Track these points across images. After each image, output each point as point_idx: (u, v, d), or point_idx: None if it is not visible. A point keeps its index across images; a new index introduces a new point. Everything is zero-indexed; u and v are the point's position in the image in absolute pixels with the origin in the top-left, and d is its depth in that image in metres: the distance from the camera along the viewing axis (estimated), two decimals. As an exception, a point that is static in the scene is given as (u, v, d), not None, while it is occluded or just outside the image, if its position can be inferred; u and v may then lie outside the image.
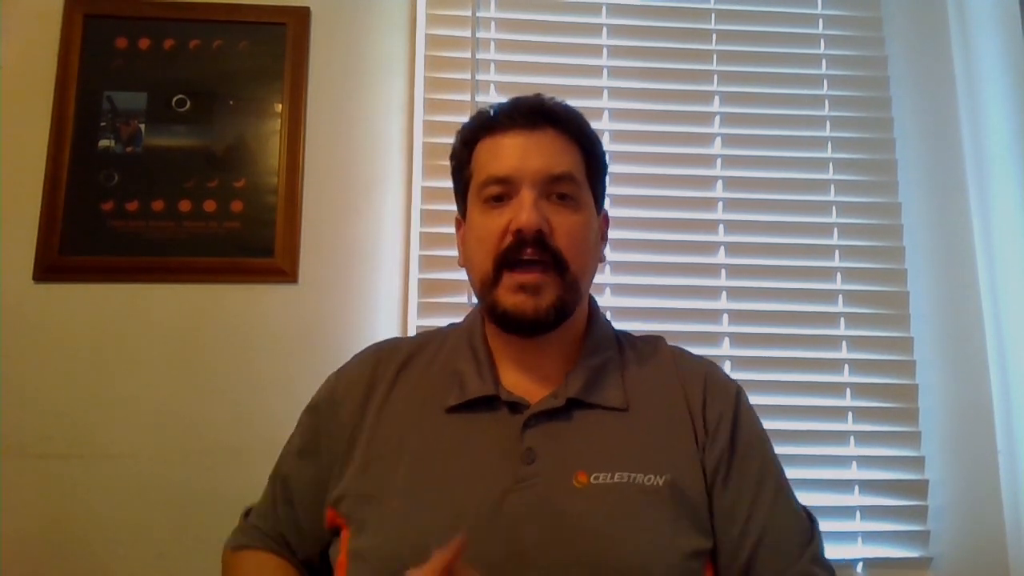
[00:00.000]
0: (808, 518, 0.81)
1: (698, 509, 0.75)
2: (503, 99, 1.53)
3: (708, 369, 0.86)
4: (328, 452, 0.83)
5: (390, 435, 0.79)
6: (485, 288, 0.79)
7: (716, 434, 0.79)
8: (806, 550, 0.77)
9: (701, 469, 0.77)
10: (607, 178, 0.89)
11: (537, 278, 0.76)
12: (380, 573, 0.71)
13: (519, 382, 0.81)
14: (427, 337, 0.91)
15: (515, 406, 0.78)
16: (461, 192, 0.86)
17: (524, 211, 0.76)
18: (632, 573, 0.69)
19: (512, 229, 0.76)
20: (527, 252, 0.76)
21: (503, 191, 0.78)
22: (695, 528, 0.74)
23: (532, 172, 0.78)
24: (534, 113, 0.81)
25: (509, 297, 0.77)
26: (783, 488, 0.80)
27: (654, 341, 0.90)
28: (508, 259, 0.77)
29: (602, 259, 0.86)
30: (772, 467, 0.81)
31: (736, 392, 0.84)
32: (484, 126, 0.82)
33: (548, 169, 0.78)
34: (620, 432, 0.77)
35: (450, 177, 0.89)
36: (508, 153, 0.79)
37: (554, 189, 0.78)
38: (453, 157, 0.87)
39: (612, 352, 0.84)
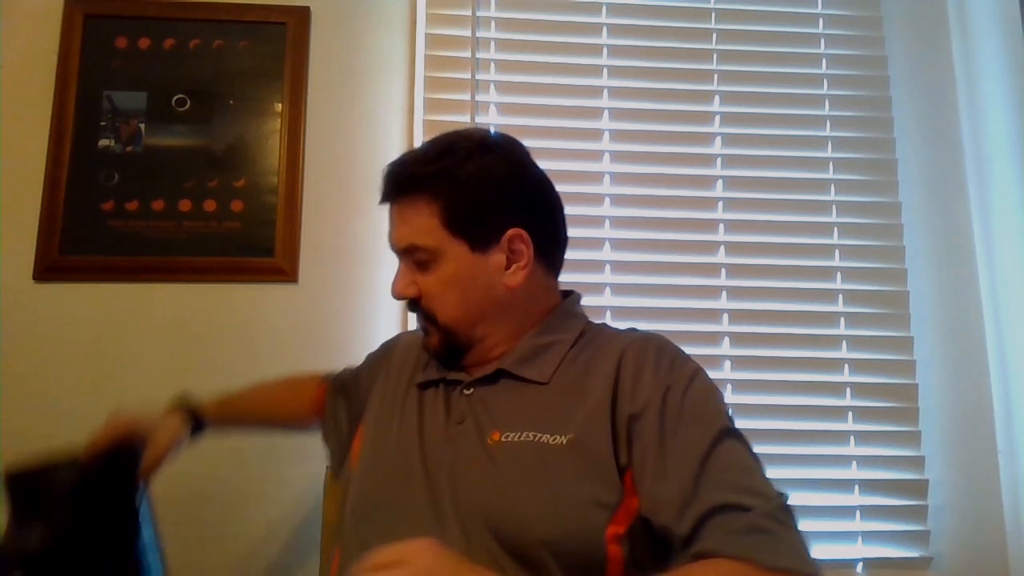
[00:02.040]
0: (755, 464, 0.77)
1: (602, 465, 0.77)
2: (503, 99, 1.55)
3: (657, 343, 0.86)
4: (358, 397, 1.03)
5: (386, 400, 0.95)
6: None
7: (647, 402, 0.79)
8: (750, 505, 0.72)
9: (611, 431, 0.79)
10: (487, 207, 0.86)
11: (423, 323, 0.90)
12: (349, 515, 0.86)
13: (474, 368, 0.91)
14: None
15: (459, 382, 0.89)
16: None
17: (393, 284, 0.90)
18: (528, 521, 0.75)
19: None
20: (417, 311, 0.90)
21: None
22: (599, 482, 0.76)
23: (393, 246, 0.90)
24: (387, 188, 0.89)
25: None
26: (725, 450, 0.76)
27: (632, 334, 0.90)
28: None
29: (513, 283, 0.86)
30: (715, 435, 0.77)
31: (682, 367, 0.83)
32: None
33: (397, 243, 0.88)
34: (536, 400, 0.84)
35: None
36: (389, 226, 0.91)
37: (410, 257, 0.87)
38: None
39: (565, 336, 0.89)
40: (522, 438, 0.80)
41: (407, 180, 0.87)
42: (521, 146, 0.91)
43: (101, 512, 0.94)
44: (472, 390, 0.88)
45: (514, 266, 0.87)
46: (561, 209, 0.92)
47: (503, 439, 0.81)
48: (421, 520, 0.79)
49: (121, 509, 0.96)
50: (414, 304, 0.89)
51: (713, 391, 0.82)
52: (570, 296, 0.95)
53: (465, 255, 0.86)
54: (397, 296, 0.90)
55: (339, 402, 1.08)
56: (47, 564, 0.88)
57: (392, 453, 0.87)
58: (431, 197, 0.85)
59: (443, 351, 0.89)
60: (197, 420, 1.05)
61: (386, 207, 0.90)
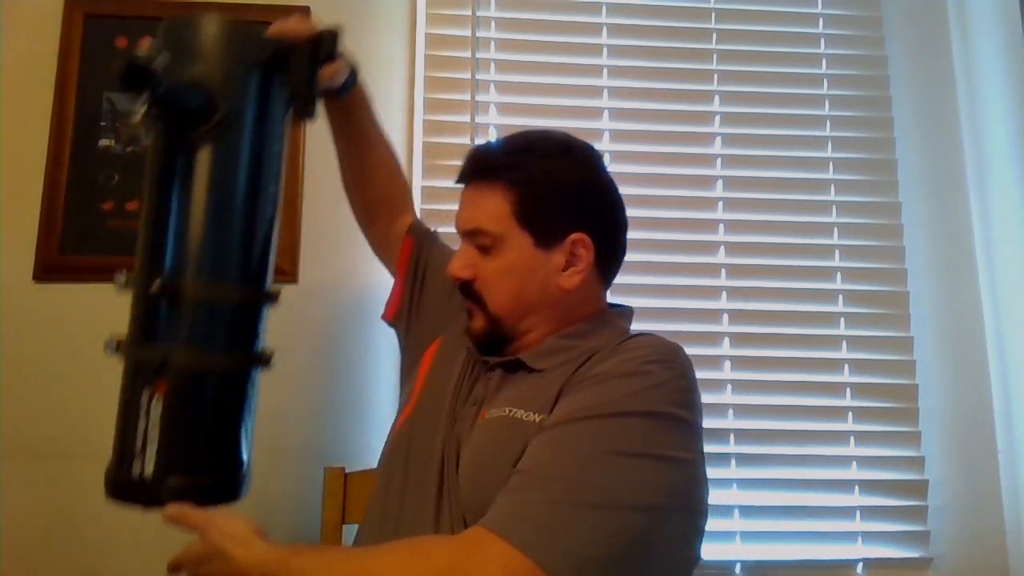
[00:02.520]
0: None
1: None
2: (503, 99, 1.55)
3: (644, 343, 0.85)
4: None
5: (447, 346, 1.00)
6: None
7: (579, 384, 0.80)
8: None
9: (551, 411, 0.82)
10: (564, 207, 0.88)
11: (471, 306, 0.91)
12: (391, 448, 0.94)
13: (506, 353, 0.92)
14: None
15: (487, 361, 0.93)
16: None
17: (452, 263, 0.91)
18: (480, 491, 0.77)
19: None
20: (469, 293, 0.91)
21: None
22: None
23: (458, 227, 0.92)
24: (466, 169, 0.92)
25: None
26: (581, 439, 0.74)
27: (649, 339, 0.88)
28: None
29: (568, 285, 0.88)
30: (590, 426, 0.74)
31: (631, 363, 0.79)
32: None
33: (463, 225, 0.91)
34: (529, 384, 0.86)
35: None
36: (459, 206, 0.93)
37: (474, 241, 0.89)
38: None
39: (590, 343, 0.86)
40: (501, 413, 0.83)
41: (486, 165, 0.90)
42: (599, 157, 0.94)
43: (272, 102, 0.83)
44: (493, 374, 0.90)
45: (571, 269, 0.89)
46: (626, 227, 0.95)
47: (488, 416, 0.84)
48: (428, 488, 0.84)
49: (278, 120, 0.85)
50: (467, 287, 0.90)
51: (643, 385, 0.76)
52: (620, 308, 0.98)
53: (528, 248, 0.88)
54: (452, 274, 0.91)
55: (424, 288, 1.10)
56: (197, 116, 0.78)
57: (434, 411, 0.90)
58: (506, 186, 0.87)
59: (484, 338, 0.91)
60: (353, 72, 1.03)
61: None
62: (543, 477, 0.71)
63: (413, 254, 1.12)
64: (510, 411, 0.82)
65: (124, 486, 0.75)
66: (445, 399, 0.91)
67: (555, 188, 0.87)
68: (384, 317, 1.13)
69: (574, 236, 0.88)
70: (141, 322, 0.80)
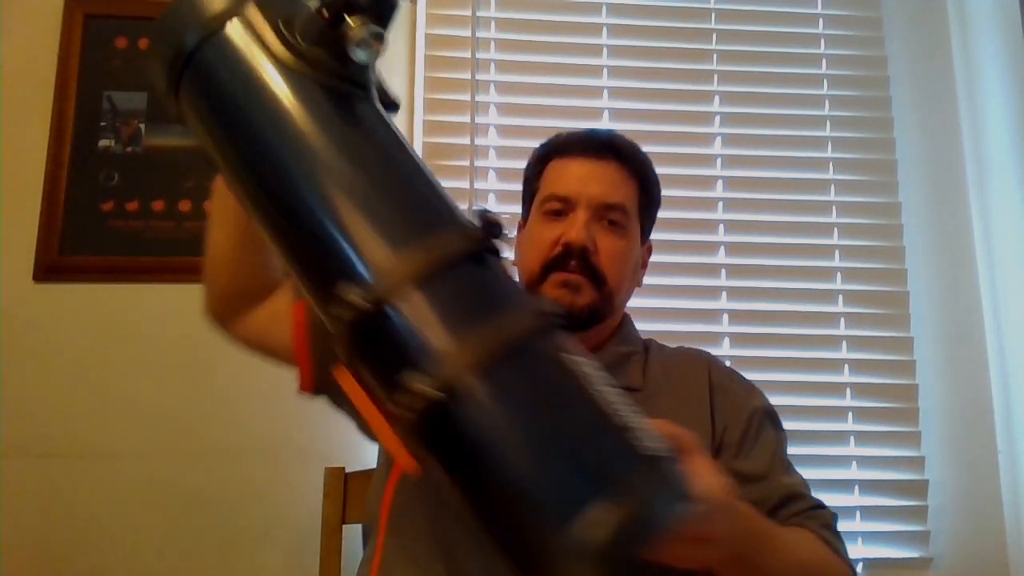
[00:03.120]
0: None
1: None
2: (503, 99, 1.55)
3: (721, 363, 0.98)
4: None
5: None
6: (531, 286, 0.88)
7: (737, 415, 0.89)
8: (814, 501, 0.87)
9: (711, 432, 0.86)
10: (656, 215, 0.98)
11: (579, 278, 0.85)
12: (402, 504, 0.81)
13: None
14: None
15: None
16: (527, 200, 0.97)
17: (575, 228, 0.86)
18: None
19: (562, 241, 0.86)
20: (571, 264, 0.85)
21: (562, 207, 0.89)
22: None
23: (589, 196, 0.88)
24: (603, 145, 0.91)
25: (552, 291, 0.85)
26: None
27: (684, 348, 1.00)
28: (554, 265, 0.86)
29: (639, 283, 0.96)
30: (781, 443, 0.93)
31: (756, 391, 0.95)
32: (559, 148, 0.93)
33: (604, 197, 0.88)
34: (637, 404, 0.79)
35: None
36: (573, 176, 0.90)
37: (606, 215, 0.88)
38: (528, 169, 0.98)
39: (638, 348, 0.94)
40: None
41: (627, 150, 0.92)
42: None
43: None
44: None
45: (642, 269, 0.97)
46: None
47: None
48: None
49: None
50: (581, 256, 0.85)
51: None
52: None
53: (637, 238, 0.93)
54: (581, 241, 0.85)
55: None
56: None
57: None
58: (634, 176, 0.91)
59: (589, 315, 0.87)
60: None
61: None
62: (808, 493, 0.88)
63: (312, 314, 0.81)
64: None
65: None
66: None
67: (657, 194, 0.96)
68: (302, 390, 0.88)
69: (648, 241, 0.97)
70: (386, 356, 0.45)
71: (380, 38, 0.50)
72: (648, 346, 0.97)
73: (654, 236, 1.52)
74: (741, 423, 0.88)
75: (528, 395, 0.43)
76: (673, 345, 1.01)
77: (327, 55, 0.50)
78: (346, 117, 0.51)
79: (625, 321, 0.97)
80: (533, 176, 0.96)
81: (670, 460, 0.45)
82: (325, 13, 0.48)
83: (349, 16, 0.48)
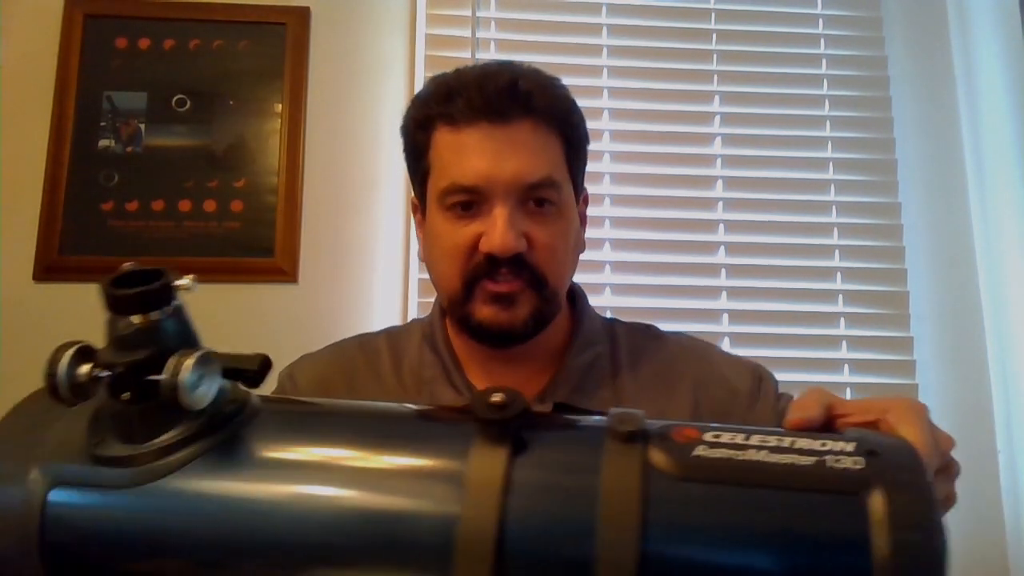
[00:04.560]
0: None
1: None
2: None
3: (722, 367, 0.79)
4: None
5: None
6: (455, 304, 0.70)
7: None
8: None
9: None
10: (586, 156, 0.77)
11: (513, 288, 0.67)
12: None
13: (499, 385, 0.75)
14: (391, 338, 0.81)
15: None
16: (417, 180, 0.74)
17: (497, 233, 0.65)
18: None
19: (483, 251, 0.66)
20: (501, 272, 0.66)
21: (471, 199, 0.67)
22: None
23: (505, 181, 0.65)
24: (505, 100, 0.66)
25: (483, 309, 0.68)
26: None
27: (646, 332, 0.82)
28: (479, 275, 0.67)
29: (583, 248, 0.77)
30: None
31: (750, 376, 0.79)
32: (443, 112, 0.69)
33: (524, 177, 0.66)
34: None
35: None
36: (475, 155, 0.66)
37: (532, 195, 0.67)
38: (405, 134, 0.74)
39: (602, 347, 0.76)
40: None
41: (538, 97, 0.68)
42: None
43: None
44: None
45: (582, 228, 0.76)
46: None
47: None
48: None
49: None
50: (512, 261, 0.66)
51: None
52: None
53: (572, 205, 0.72)
54: (509, 251, 0.65)
55: None
56: None
57: None
58: (555, 128, 0.69)
59: (532, 326, 0.68)
60: None
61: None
62: None
63: None
64: None
65: None
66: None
67: (583, 133, 0.74)
68: None
69: (584, 191, 0.76)
70: None
71: (205, 358, 0.39)
72: (612, 332, 0.79)
73: (654, 236, 1.55)
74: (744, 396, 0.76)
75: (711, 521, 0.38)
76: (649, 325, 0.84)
77: (167, 434, 0.39)
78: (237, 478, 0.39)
79: (580, 311, 0.78)
80: (418, 148, 0.72)
81: (870, 442, 0.40)
82: (127, 396, 0.39)
83: (153, 377, 0.38)
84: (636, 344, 0.79)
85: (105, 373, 0.39)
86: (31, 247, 1.38)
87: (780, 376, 1.56)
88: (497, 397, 0.38)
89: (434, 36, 1.55)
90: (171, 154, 1.44)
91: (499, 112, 0.66)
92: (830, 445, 0.39)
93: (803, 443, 0.39)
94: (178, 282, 0.42)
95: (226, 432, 0.41)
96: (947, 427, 0.48)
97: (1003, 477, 1.45)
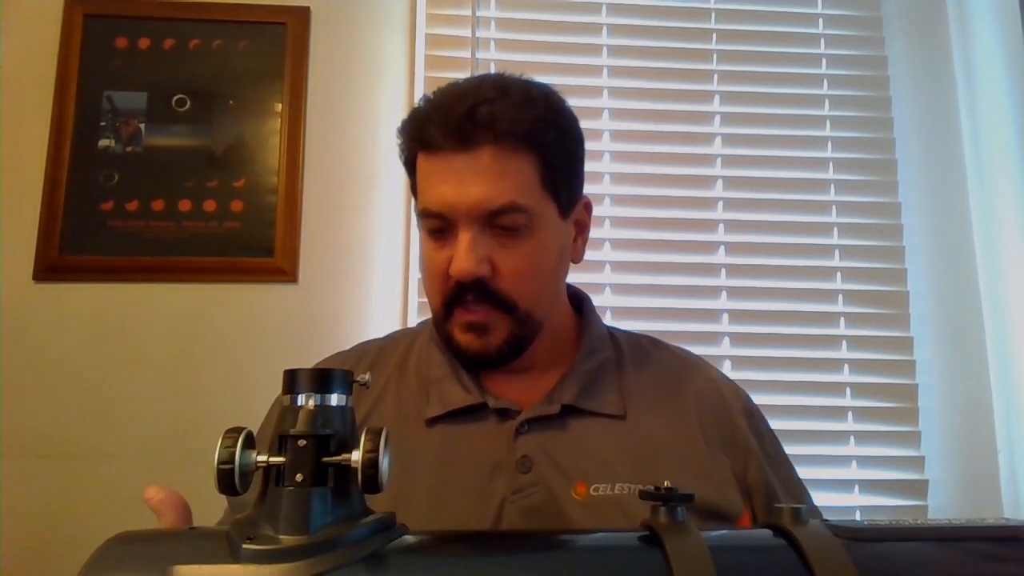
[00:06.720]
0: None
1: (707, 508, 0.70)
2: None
3: (719, 383, 0.83)
4: None
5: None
6: (437, 323, 0.74)
7: (746, 443, 0.80)
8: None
9: (716, 473, 0.74)
10: (579, 169, 0.78)
11: (483, 317, 0.69)
12: None
13: (506, 387, 0.74)
14: (394, 340, 0.84)
15: (505, 412, 0.72)
16: (413, 190, 0.76)
17: (459, 258, 0.67)
18: None
19: (450, 274, 0.69)
20: (468, 299, 0.69)
21: (441, 225, 0.70)
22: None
23: (467, 208, 0.67)
24: (467, 126, 0.67)
25: (460, 335, 0.71)
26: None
27: (647, 341, 0.85)
28: (455, 300, 0.70)
29: (577, 260, 0.78)
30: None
31: (743, 395, 0.85)
32: (421, 137, 0.71)
33: (484, 204, 0.67)
34: (619, 440, 0.72)
35: None
36: (440, 181, 0.68)
37: (496, 222, 0.68)
38: (400, 151, 0.76)
39: (608, 353, 0.79)
40: (616, 491, 0.68)
41: (501, 121, 0.68)
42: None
43: None
44: (527, 428, 0.71)
45: (579, 238, 0.77)
46: None
47: (592, 493, 0.68)
48: None
49: None
50: (477, 288, 0.68)
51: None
52: (574, 290, 0.86)
53: (554, 221, 0.72)
54: (468, 275, 0.67)
55: None
56: None
57: (422, 515, 0.67)
58: (524, 148, 0.69)
59: (509, 351, 0.71)
60: None
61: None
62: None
63: None
64: (630, 488, 0.67)
65: None
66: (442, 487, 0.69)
67: (574, 141, 0.75)
68: None
69: (584, 198, 0.77)
70: None
71: (378, 433, 0.39)
72: (615, 340, 0.81)
73: (653, 236, 1.55)
74: (751, 438, 0.80)
75: None
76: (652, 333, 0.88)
77: (336, 525, 0.38)
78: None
79: (586, 316, 0.80)
80: (409, 167, 0.75)
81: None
82: (300, 478, 0.38)
83: (333, 459, 0.38)
84: (638, 351, 0.81)
85: (276, 459, 0.39)
86: (31, 247, 1.38)
87: (780, 375, 1.56)
88: None
89: (434, 36, 1.55)
90: (171, 154, 1.44)
91: (461, 139, 0.68)
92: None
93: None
94: (357, 378, 0.43)
95: (395, 532, 0.40)
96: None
97: (1003, 477, 1.45)
